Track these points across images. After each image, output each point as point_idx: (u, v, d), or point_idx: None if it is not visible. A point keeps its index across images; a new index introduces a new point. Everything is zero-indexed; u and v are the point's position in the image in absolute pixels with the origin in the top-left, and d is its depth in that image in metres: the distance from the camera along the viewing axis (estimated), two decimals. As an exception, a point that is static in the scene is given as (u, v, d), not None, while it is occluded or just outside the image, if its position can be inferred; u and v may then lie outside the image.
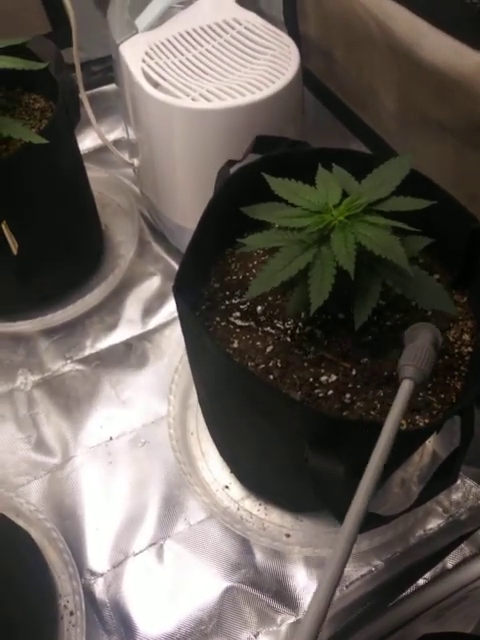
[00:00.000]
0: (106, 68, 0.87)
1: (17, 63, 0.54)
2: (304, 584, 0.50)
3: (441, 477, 0.35)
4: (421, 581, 0.48)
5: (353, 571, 0.50)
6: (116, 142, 0.87)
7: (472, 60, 0.41)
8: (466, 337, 0.42)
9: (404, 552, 0.50)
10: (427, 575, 0.48)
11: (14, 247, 0.57)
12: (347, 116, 0.61)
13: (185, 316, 0.40)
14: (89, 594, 0.51)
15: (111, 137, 0.88)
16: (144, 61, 0.58)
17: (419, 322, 0.37)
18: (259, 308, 0.42)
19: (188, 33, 0.61)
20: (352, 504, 0.27)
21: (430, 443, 0.55)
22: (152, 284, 0.73)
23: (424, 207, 0.37)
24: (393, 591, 0.48)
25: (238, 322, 0.42)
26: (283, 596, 0.50)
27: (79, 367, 0.65)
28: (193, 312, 0.42)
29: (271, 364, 0.40)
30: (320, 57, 0.62)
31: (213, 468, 0.56)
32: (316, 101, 0.66)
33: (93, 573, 0.52)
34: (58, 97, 0.56)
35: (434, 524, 0.52)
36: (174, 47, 0.59)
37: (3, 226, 0.54)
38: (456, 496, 0.53)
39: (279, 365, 0.40)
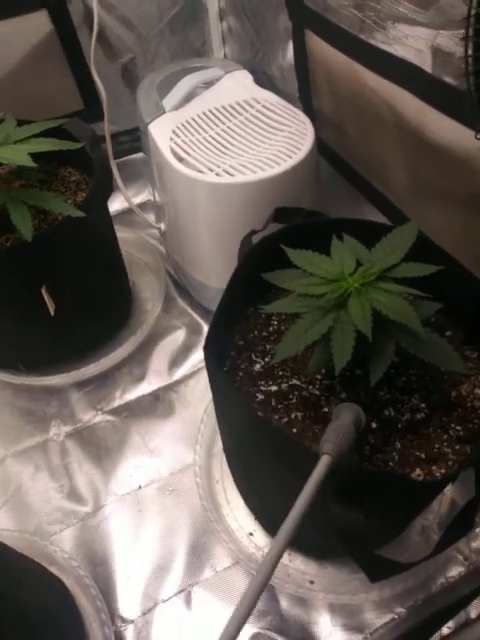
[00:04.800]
0: (134, 139, 0.94)
1: (57, 145, 0.59)
2: (328, 631, 0.51)
3: (457, 527, 0.37)
4: (445, 630, 0.49)
5: (376, 618, 0.51)
6: (143, 205, 0.93)
7: (473, 141, 0.46)
8: (478, 391, 0.44)
9: (426, 599, 0.51)
10: (450, 624, 0.49)
11: (52, 308, 0.61)
12: (360, 183, 0.66)
13: (213, 373, 0.43)
14: (120, 641, 0.53)
15: (138, 200, 0.94)
16: (171, 139, 0.64)
17: (345, 403, 0.40)
18: (281, 364, 0.46)
19: (211, 112, 0.67)
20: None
21: (449, 491, 0.56)
22: (177, 337, 0.77)
23: (432, 272, 0.41)
24: (417, 640, 0.49)
25: (262, 377, 0.45)
26: (308, 643, 0.51)
27: (109, 417, 0.69)
28: (221, 369, 0.46)
29: (293, 417, 0.43)
30: (333, 130, 0.68)
31: (238, 515, 0.59)
32: (331, 169, 0.71)
33: (124, 620, 0.54)
34: (93, 174, 0.62)
35: (455, 571, 0.53)
36: (198, 125, 0.65)
37: (43, 290, 0.59)
38: (476, 544, 0.55)
39: (300, 418, 0.43)
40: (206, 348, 0.42)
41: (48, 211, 0.61)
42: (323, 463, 0.34)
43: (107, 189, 0.66)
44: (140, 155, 0.93)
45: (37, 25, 0.80)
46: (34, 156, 0.55)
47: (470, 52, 0.31)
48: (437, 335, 0.40)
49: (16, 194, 0.57)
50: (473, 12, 0.29)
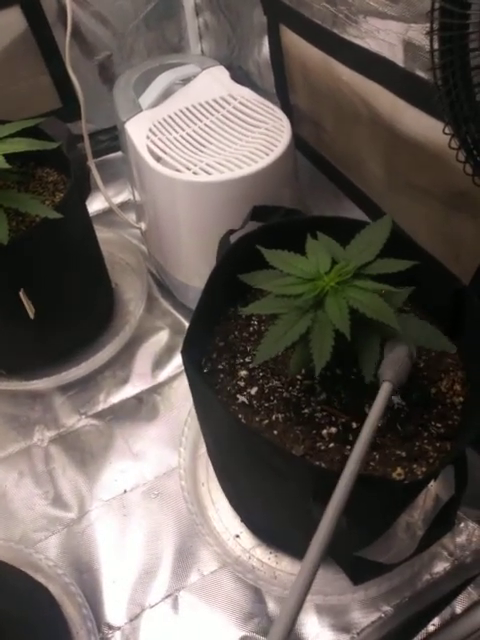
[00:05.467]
0: (112, 137, 0.93)
1: (33, 145, 0.58)
2: (316, 632, 0.51)
3: (438, 525, 0.37)
4: (431, 627, 0.49)
5: (363, 618, 0.51)
6: (123, 204, 0.92)
7: (446, 136, 0.45)
8: (457, 387, 0.44)
9: (412, 597, 0.51)
10: (436, 620, 0.49)
11: (31, 312, 0.60)
12: (339, 179, 0.66)
13: (193, 377, 0.43)
14: (107, 648, 0.52)
15: (118, 199, 0.93)
16: (148, 137, 0.63)
17: (396, 338, 0.39)
18: (261, 365, 0.45)
19: (188, 109, 0.66)
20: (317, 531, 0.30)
21: (433, 487, 0.56)
22: (161, 338, 0.76)
23: (408, 267, 0.40)
24: (404, 638, 0.49)
25: (242, 379, 0.45)
26: (296, 645, 0.51)
27: (93, 422, 0.68)
28: (200, 372, 0.45)
29: (274, 418, 0.43)
30: (311, 126, 0.67)
31: (224, 517, 0.58)
32: (311, 165, 0.71)
33: (111, 627, 0.54)
34: (70, 174, 0.61)
35: (440, 568, 0.53)
36: (175, 123, 0.64)
37: (21, 294, 0.58)
38: (460, 539, 0.55)
39: (281, 420, 0.42)
40: (184, 351, 0.41)
41: (26, 213, 0.60)
42: (385, 390, 0.36)
43: (84, 189, 0.65)
44: (119, 154, 0.92)
45: (10, 22, 0.79)
46: (11, 157, 0.54)
47: (436, 46, 0.30)
48: (417, 319, 0.40)
49: (-9, 197, 0.57)
50: (437, 5, 0.28)
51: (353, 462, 0.32)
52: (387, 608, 0.51)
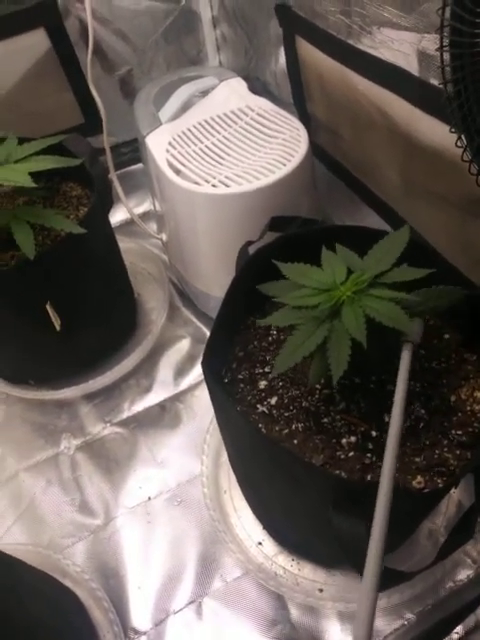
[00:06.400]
0: (133, 149, 0.95)
1: (58, 162, 0.60)
2: (338, 639, 0.51)
3: (459, 533, 0.37)
4: (454, 635, 0.49)
5: (386, 625, 0.51)
6: (144, 215, 0.94)
7: (461, 143, 0.46)
8: (478, 395, 0.44)
9: (435, 604, 0.51)
10: (459, 628, 0.49)
11: (57, 324, 0.62)
12: (357, 186, 0.66)
13: (213, 387, 0.44)
14: (133, 653, 0.53)
15: (140, 210, 0.95)
16: (168, 151, 0.64)
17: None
18: (280, 375, 0.46)
19: (206, 122, 0.67)
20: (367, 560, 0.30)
21: (454, 494, 0.56)
22: (182, 347, 0.77)
23: (425, 275, 0.40)
24: (427, 646, 0.49)
25: (262, 389, 0.45)
26: (319, 652, 0.51)
27: (118, 429, 0.70)
28: (220, 383, 0.46)
29: (294, 428, 0.43)
30: (328, 134, 0.68)
31: (246, 525, 0.59)
32: (329, 172, 0.71)
33: (136, 631, 0.55)
34: (93, 189, 0.63)
35: (463, 575, 0.53)
36: (194, 136, 0.66)
37: (48, 307, 0.60)
38: (484, 546, 0.54)
39: (301, 429, 0.43)
40: (204, 363, 0.42)
41: (51, 227, 0.62)
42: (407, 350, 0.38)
43: (107, 203, 0.67)
44: (140, 165, 0.93)
45: (35, 43, 0.81)
46: (36, 173, 0.56)
47: (445, 42, 0.30)
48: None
49: (19, 213, 0.58)
50: (446, 23, 0.29)
51: (390, 449, 0.33)
52: (410, 616, 0.51)
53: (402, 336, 0.39)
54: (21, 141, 0.61)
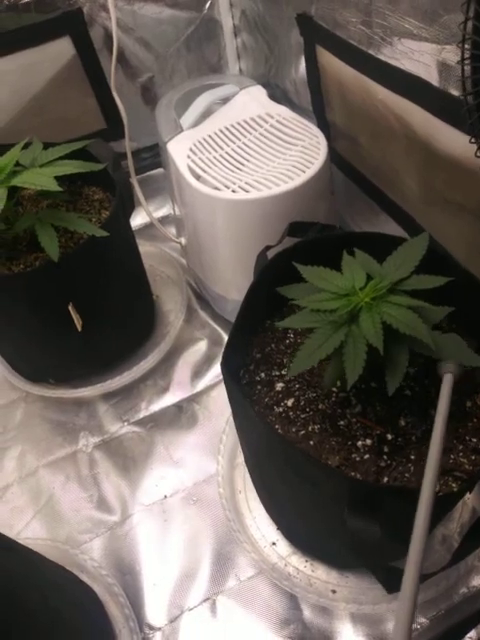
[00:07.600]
0: (154, 154, 0.97)
1: (81, 167, 0.61)
2: (350, 640, 0.52)
3: (472, 538, 0.38)
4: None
5: (398, 628, 0.51)
6: (163, 218, 0.95)
7: (481, 153, 0.46)
8: (493, 401, 0.45)
9: (448, 609, 0.51)
10: (472, 633, 0.49)
11: (79, 324, 0.64)
12: (375, 193, 0.67)
13: (231, 388, 0.45)
14: (148, 648, 0.54)
15: (160, 214, 0.97)
16: (189, 157, 0.66)
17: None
18: (297, 377, 0.47)
19: (227, 128, 0.69)
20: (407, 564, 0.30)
21: (469, 499, 0.56)
22: (199, 349, 0.78)
23: (443, 283, 0.41)
24: (440, 650, 0.49)
25: (279, 391, 0.46)
26: (331, 653, 0.52)
27: (135, 429, 0.71)
28: (238, 384, 0.47)
29: (310, 429, 0.44)
30: (348, 142, 0.69)
31: (261, 525, 0.60)
32: (348, 179, 0.72)
33: (151, 627, 0.56)
34: (115, 193, 0.64)
35: (477, 581, 0.53)
36: (215, 142, 0.67)
37: (70, 307, 0.61)
38: (498, 553, 0.54)
39: (317, 431, 0.44)
40: (223, 364, 0.43)
41: (74, 230, 0.63)
42: (448, 380, 0.38)
43: (128, 208, 0.68)
44: (161, 170, 0.95)
45: (61, 51, 0.83)
46: (60, 177, 0.57)
47: (467, 55, 0.31)
48: (451, 334, 0.41)
49: (43, 216, 0.60)
50: (468, 36, 0.29)
51: (432, 459, 0.33)
52: (423, 620, 0.52)
53: (441, 364, 0.39)
54: (46, 146, 0.63)
